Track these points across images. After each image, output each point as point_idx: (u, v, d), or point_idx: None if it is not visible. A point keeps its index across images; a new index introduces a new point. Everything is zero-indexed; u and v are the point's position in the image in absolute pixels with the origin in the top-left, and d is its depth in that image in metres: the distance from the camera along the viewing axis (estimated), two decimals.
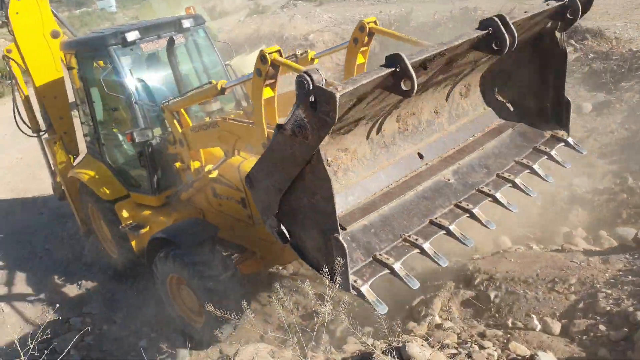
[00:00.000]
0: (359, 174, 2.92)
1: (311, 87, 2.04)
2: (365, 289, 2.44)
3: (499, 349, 2.82)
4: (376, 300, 2.44)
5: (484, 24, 2.54)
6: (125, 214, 5.13)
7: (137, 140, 4.50)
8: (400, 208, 2.87)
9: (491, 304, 3.43)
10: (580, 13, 2.99)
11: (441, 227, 2.79)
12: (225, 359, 3.62)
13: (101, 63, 4.92)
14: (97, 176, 5.37)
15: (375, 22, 3.81)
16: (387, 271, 2.52)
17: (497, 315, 3.36)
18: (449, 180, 3.10)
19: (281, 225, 2.62)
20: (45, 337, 3.23)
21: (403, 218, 2.82)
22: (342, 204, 2.74)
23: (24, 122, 6.16)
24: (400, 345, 2.58)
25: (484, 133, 3.50)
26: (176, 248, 4.13)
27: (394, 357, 2.42)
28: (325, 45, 13.09)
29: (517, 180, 3.16)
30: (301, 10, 22.05)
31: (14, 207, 8.41)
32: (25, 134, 6.27)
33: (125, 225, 5.11)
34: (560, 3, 2.98)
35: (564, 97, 3.35)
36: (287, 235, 2.62)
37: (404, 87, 2.16)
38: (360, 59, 4.01)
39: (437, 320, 3.32)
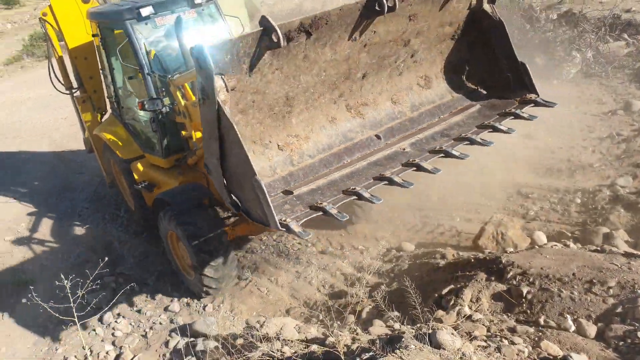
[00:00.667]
0: (315, 156, 3.23)
1: (194, 51, 2.45)
2: (293, 224, 2.63)
3: (529, 346, 2.75)
4: (302, 231, 2.61)
5: None
6: (139, 173, 5.54)
7: (147, 109, 4.85)
8: (350, 174, 3.14)
9: (523, 300, 3.35)
10: None
11: (384, 179, 2.99)
12: (252, 329, 3.68)
13: (119, 32, 5.18)
14: (117, 137, 5.80)
15: None
16: (320, 213, 2.75)
17: (528, 311, 3.28)
18: (404, 149, 3.33)
19: (232, 196, 2.87)
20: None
21: (352, 180, 3.06)
22: (294, 179, 3.10)
23: (59, 81, 6.50)
24: (431, 331, 2.56)
25: (451, 113, 3.67)
26: (172, 208, 4.51)
27: (425, 343, 2.40)
28: None
29: (474, 137, 3.28)
30: None
31: (58, 164, 8.71)
32: (59, 91, 6.60)
33: (139, 183, 5.50)
34: None
35: (517, 62, 3.46)
36: (239, 204, 2.86)
37: (274, 39, 2.54)
38: None
39: (467, 310, 3.27)
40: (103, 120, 6.53)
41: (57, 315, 4.77)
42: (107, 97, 6.24)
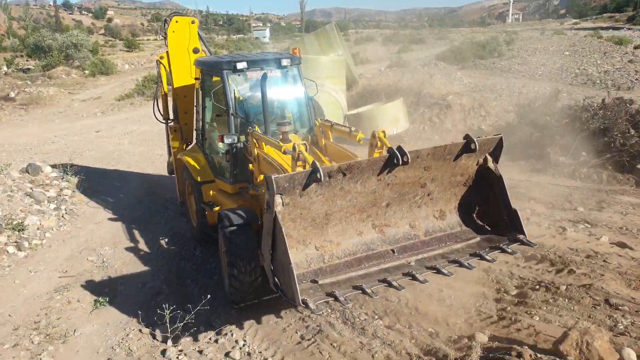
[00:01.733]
0: (342, 258, 4.20)
1: (267, 176, 3.56)
2: (311, 303, 3.57)
3: None
4: (315, 308, 3.59)
5: (390, 152, 3.92)
6: (208, 193, 6.60)
7: (225, 142, 5.89)
8: (364, 275, 4.05)
9: None
10: (478, 150, 4.15)
11: (385, 282, 3.89)
12: None
13: (217, 78, 6.25)
14: (196, 162, 6.90)
15: (383, 133, 4.86)
16: (331, 298, 3.69)
17: None
18: (410, 263, 4.19)
19: (275, 277, 3.90)
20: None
21: (364, 279, 3.95)
22: (323, 273, 4.06)
23: (160, 113, 8.05)
24: None
25: (455, 241, 4.49)
26: (224, 222, 5.17)
27: None
28: (462, 109, 12.98)
29: (462, 261, 4.12)
30: (442, 71, 22.18)
31: (145, 197, 9.39)
32: (158, 120, 8.15)
33: (205, 202, 6.53)
34: (463, 142, 4.18)
35: (512, 209, 4.35)
36: (279, 284, 3.87)
37: (318, 177, 3.60)
38: (375, 155, 4.92)
39: None
40: (187, 148, 7.81)
41: (126, 345, 4.99)
42: (194, 129, 7.46)
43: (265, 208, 3.76)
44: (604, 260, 5.66)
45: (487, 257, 4.23)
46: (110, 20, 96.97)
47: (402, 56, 31.30)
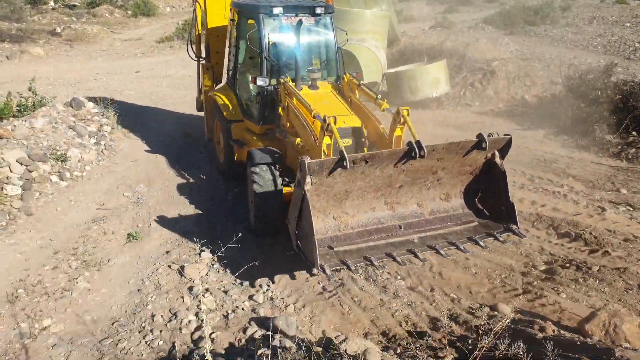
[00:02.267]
0: (355, 229, 4.77)
1: (302, 160, 4.08)
2: (327, 268, 4.18)
3: None
4: (331, 273, 4.35)
5: (409, 145, 4.33)
6: (236, 132, 7.00)
7: (257, 84, 6.19)
8: (373, 246, 4.60)
9: None
10: (488, 147, 4.54)
11: (390, 256, 4.43)
12: (330, 343, 3.70)
13: (251, 21, 6.49)
14: (226, 101, 7.21)
15: (407, 111, 5.08)
16: (344, 266, 4.32)
17: None
18: (413, 240, 4.71)
19: (298, 241, 4.60)
20: None
21: (372, 251, 4.53)
22: (338, 241, 4.66)
23: (193, 51, 8.36)
24: None
25: (456, 223, 4.97)
26: (252, 162, 5.66)
27: None
28: (507, 76, 12.49)
29: (461, 246, 4.64)
30: (488, 35, 21.27)
31: (178, 138, 9.55)
32: (191, 57, 8.52)
33: (234, 140, 6.95)
34: (476, 140, 4.55)
35: (509, 201, 4.84)
36: (300, 247, 4.58)
37: (344, 165, 4.09)
38: (398, 132, 5.28)
39: None
40: (217, 87, 8.09)
41: (155, 278, 5.20)
42: (226, 69, 7.69)
43: (296, 184, 4.38)
44: None
45: (481, 243, 4.71)
46: None
47: (448, 17, 30.09)
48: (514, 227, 4.79)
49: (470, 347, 3.70)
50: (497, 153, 4.81)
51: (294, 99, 5.74)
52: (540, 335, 3.71)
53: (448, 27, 25.69)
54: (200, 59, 8.40)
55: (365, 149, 5.56)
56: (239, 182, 7.10)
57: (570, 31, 24.48)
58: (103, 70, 15.74)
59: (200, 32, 8.26)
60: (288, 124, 6.04)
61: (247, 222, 6.21)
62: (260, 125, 6.57)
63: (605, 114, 9.46)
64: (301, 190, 4.21)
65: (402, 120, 5.09)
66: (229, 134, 7.02)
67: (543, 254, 5.49)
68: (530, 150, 8.92)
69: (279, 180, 5.58)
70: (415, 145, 4.27)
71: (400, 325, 4.42)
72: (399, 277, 5.18)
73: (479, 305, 4.62)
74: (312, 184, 4.21)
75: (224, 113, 7.09)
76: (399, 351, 3.88)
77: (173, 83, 14.24)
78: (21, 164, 6.92)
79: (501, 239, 4.76)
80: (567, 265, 5.18)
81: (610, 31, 23.22)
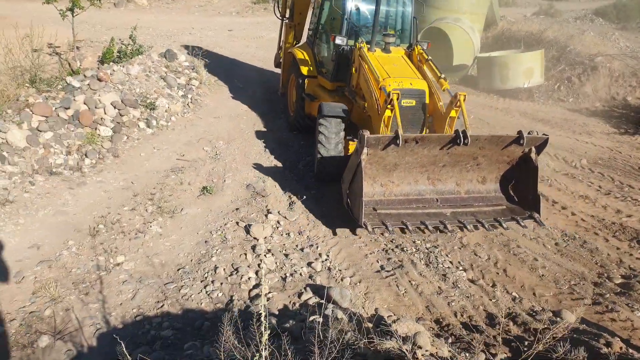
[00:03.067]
0: (398, 196, 5.42)
1: (361, 134, 4.79)
2: (369, 226, 4.88)
3: None
4: (372, 230, 4.90)
5: (455, 132, 4.91)
6: (310, 87, 7.63)
7: (336, 42, 6.66)
8: (411, 214, 5.24)
9: None
10: (525, 144, 5.12)
11: (424, 224, 5.07)
12: (381, 321, 3.72)
13: None
14: (305, 57, 7.84)
15: (464, 97, 5.59)
16: (383, 227, 4.97)
17: None
18: (447, 214, 5.30)
19: (348, 200, 5.34)
20: None
21: (411, 217, 5.16)
22: (382, 204, 5.31)
23: (279, 10, 9.27)
24: None
25: (487, 204, 5.53)
26: (321, 114, 6.30)
27: None
28: (610, 74, 11.54)
29: (487, 225, 5.17)
30: (596, 28, 19.65)
31: (261, 95, 9.72)
32: (276, 16, 9.36)
33: (307, 93, 7.59)
34: (516, 136, 5.12)
35: (536, 193, 5.31)
36: (350, 204, 5.29)
37: (397, 142, 4.74)
38: (452, 114, 5.77)
39: None
40: (296, 45, 8.82)
41: (222, 232, 5.43)
42: (308, 29, 8.27)
43: (354, 152, 5.08)
44: None
45: (504, 225, 5.20)
46: None
47: (555, 4, 28.09)
48: (536, 215, 5.29)
49: (525, 348, 3.57)
50: (533, 149, 5.31)
51: (366, 64, 6.22)
52: (605, 350, 3.50)
53: (553, 15, 24.01)
54: (285, 19, 9.08)
55: (427, 114, 6.13)
56: (307, 136, 7.92)
57: None
58: (199, 25, 16.34)
59: None
60: (357, 84, 6.63)
61: (312, 171, 6.96)
62: (332, 81, 7.21)
63: None
64: (358, 159, 4.90)
65: (457, 103, 5.63)
66: (303, 87, 7.64)
67: (621, 266, 5.12)
68: (623, 156, 8.27)
69: (342, 134, 6.27)
70: (461, 134, 4.88)
71: (455, 316, 4.34)
72: (460, 268, 5.07)
73: (541, 308, 4.43)
74: (367, 154, 4.89)
75: (301, 67, 7.69)
76: (450, 340, 3.83)
77: (263, 45, 14.51)
78: (114, 107, 7.42)
79: (522, 224, 5.27)
80: None
81: None
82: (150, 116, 7.88)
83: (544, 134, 5.29)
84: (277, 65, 9.66)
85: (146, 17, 16.36)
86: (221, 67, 11.55)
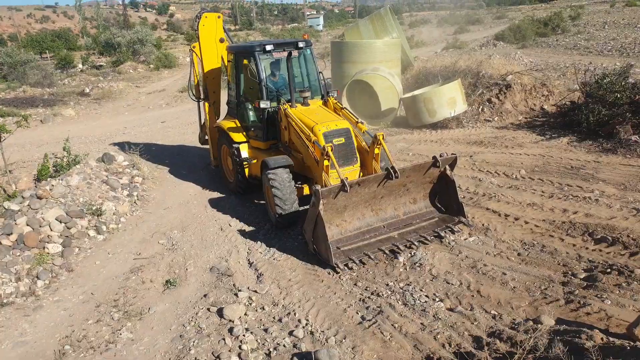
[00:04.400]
0: (352, 232, 6.32)
1: (315, 189, 5.66)
2: (340, 265, 5.82)
3: None
4: (343, 267, 5.84)
5: (386, 170, 6.06)
6: (245, 152, 8.28)
7: (261, 107, 7.57)
8: (367, 245, 6.16)
9: None
10: (440, 164, 6.36)
11: (380, 250, 6.04)
12: None
13: (245, 61, 8.03)
14: (232, 127, 8.44)
15: (383, 136, 6.69)
16: (350, 261, 5.87)
17: None
18: (395, 236, 6.31)
19: (314, 245, 6.14)
20: None
21: (367, 247, 6.09)
22: (342, 242, 6.18)
23: (193, 94, 9.99)
24: None
25: (422, 219, 6.62)
26: (268, 168, 6.99)
27: None
28: (523, 88, 12.48)
29: (429, 238, 6.29)
30: (500, 51, 21.34)
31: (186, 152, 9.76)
32: (192, 98, 10.12)
33: (244, 158, 8.20)
34: (432, 161, 6.34)
35: (458, 201, 6.56)
36: (316, 250, 6.12)
37: (345, 189, 5.75)
38: (376, 151, 6.82)
39: None
40: (218, 120, 9.49)
41: (196, 323, 5.28)
42: (226, 103, 9.05)
43: (311, 204, 5.88)
44: None
45: (442, 234, 6.34)
46: (172, 15, 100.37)
47: (459, 37, 30.29)
48: (463, 219, 6.53)
49: None
50: (448, 167, 6.50)
51: (293, 121, 7.09)
52: (588, 344, 3.62)
53: (460, 47, 25.95)
54: (200, 99, 9.84)
55: (356, 150, 7.06)
56: (254, 196, 8.60)
57: (583, 38, 24.38)
58: (131, 124, 16.38)
59: (198, 76, 9.74)
60: (290, 140, 7.48)
61: (269, 220, 7.53)
62: (265, 141, 7.96)
63: (628, 115, 9.35)
64: (316, 210, 5.77)
65: (378, 142, 6.68)
66: (239, 154, 8.23)
67: (581, 261, 5.38)
68: (555, 159, 8.83)
69: (292, 181, 6.96)
70: (391, 171, 5.97)
71: (444, 348, 4.37)
72: (437, 299, 5.14)
73: (521, 320, 4.54)
74: (323, 204, 5.72)
75: (233, 136, 8.29)
76: None
77: (198, 129, 14.63)
78: (60, 221, 7.21)
79: (456, 229, 6.43)
80: (608, 270, 5.06)
81: (623, 34, 23.04)
82: (99, 222, 7.71)
83: (452, 154, 6.49)
84: (203, 142, 10.55)
85: (76, 127, 16.26)
86: (162, 158, 11.57)
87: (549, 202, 6.97)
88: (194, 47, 9.55)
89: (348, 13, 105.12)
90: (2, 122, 8.81)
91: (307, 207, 6.13)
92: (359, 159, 7.06)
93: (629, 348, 3.35)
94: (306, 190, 7.38)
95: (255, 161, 8.10)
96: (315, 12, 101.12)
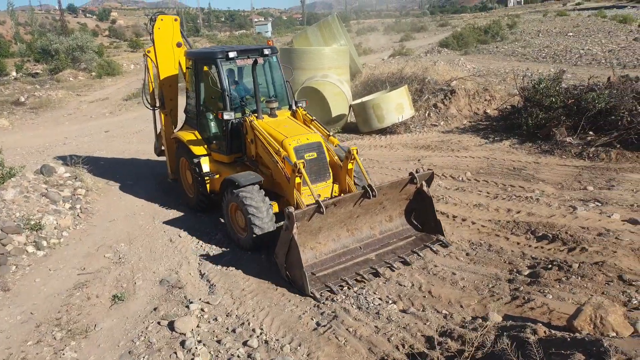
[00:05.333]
0: (328, 255, 5.90)
1: (289, 212, 5.21)
2: (317, 294, 5.36)
3: None
4: (320, 297, 5.34)
5: (363, 188, 5.74)
6: (206, 165, 7.66)
7: (225, 118, 6.87)
8: (344, 268, 5.77)
9: None
10: (418, 181, 6.08)
11: (358, 274, 5.66)
12: None
13: (205, 68, 7.48)
14: (192, 139, 7.80)
15: (356, 151, 6.36)
16: (327, 289, 5.44)
17: None
18: (373, 258, 5.95)
19: (287, 272, 5.66)
20: None
21: (345, 272, 5.71)
22: (317, 267, 5.76)
23: (148, 101, 9.23)
24: None
25: (399, 239, 6.29)
26: (237, 186, 6.34)
27: None
28: (467, 94, 12.94)
29: (407, 258, 5.92)
30: (445, 57, 22.08)
31: (158, 195, 9.49)
32: (146, 107, 9.35)
33: (206, 173, 7.57)
34: (409, 177, 6.03)
35: (436, 219, 6.28)
36: (289, 276, 5.64)
37: (320, 211, 5.33)
38: (350, 166, 6.50)
39: None
40: (175, 130, 8.80)
41: (146, 337, 5.09)
42: (184, 112, 8.42)
43: (284, 228, 5.38)
44: (616, 238, 5.69)
45: (420, 254, 5.99)
46: (114, 21, 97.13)
47: (405, 45, 31.06)
48: (442, 237, 6.23)
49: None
50: (424, 184, 6.22)
51: (260, 134, 6.62)
52: (533, 338, 3.77)
53: (406, 54, 26.63)
54: (156, 108, 9.16)
55: (329, 165, 6.67)
56: (212, 212, 8.06)
57: (520, 45, 25.64)
58: (72, 133, 15.70)
59: (153, 83, 9.06)
60: (257, 154, 6.96)
61: (236, 241, 6.85)
62: (229, 154, 7.35)
63: (562, 118, 9.89)
64: (289, 234, 5.31)
65: (352, 157, 6.35)
66: (200, 168, 7.62)
67: (525, 258, 5.62)
68: (498, 161, 9.20)
69: (267, 199, 6.39)
70: (369, 189, 5.63)
71: (398, 349, 4.43)
72: (390, 302, 5.21)
73: (471, 318, 4.68)
74: (296, 227, 5.27)
75: (192, 149, 7.69)
76: None
77: (144, 138, 14.26)
78: None
79: (434, 248, 6.09)
80: (549, 266, 5.31)
81: (556, 42, 24.41)
82: (39, 237, 7.31)
83: (429, 169, 6.25)
84: (159, 154, 9.71)
85: (11, 138, 15.40)
86: (106, 169, 11.14)
87: (494, 202, 7.24)
88: (148, 51, 8.80)
89: (296, 20, 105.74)
90: None
91: (282, 223, 5.65)
92: (331, 174, 6.65)
93: (569, 339, 3.52)
94: (275, 208, 6.62)
95: (218, 176, 7.50)
96: (263, 19, 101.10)
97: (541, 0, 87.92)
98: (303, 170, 5.87)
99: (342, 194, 6.50)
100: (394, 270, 5.73)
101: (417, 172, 6.05)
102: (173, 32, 8.51)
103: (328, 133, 6.84)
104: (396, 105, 12.07)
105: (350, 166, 6.48)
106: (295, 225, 5.23)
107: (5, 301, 6.05)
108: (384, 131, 12.27)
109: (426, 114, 12.82)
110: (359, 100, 13.10)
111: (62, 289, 6.25)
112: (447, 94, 13.00)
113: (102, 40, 61.93)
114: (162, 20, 8.40)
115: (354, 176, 6.66)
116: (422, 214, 6.40)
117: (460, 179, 8.55)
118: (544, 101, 10.44)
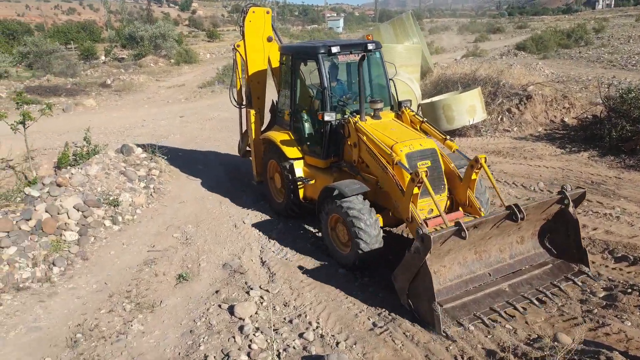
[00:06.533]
0: (452, 281, 5.11)
1: (421, 233, 4.47)
2: (450, 333, 4.58)
3: None
4: (452, 335, 4.58)
5: (508, 208, 4.85)
6: (299, 169, 7.12)
7: (325, 119, 6.32)
8: (474, 300, 4.97)
9: None
10: (570, 202, 5.21)
11: (494, 310, 4.85)
12: None
13: (302, 65, 6.98)
14: (285, 141, 7.24)
15: (485, 159, 5.51)
16: (461, 327, 4.67)
17: None
18: (506, 289, 5.14)
19: (408, 300, 4.94)
20: None
21: (475, 305, 4.93)
22: (441, 295, 4.92)
23: (234, 98, 8.62)
24: None
25: (532, 266, 5.46)
26: (340, 196, 5.73)
27: None
28: (544, 100, 12.32)
29: (547, 293, 5.06)
30: (521, 61, 21.15)
31: (224, 177, 9.78)
32: (233, 104, 8.77)
33: (299, 178, 7.04)
34: (559, 197, 5.19)
35: (581, 247, 5.39)
36: (412, 305, 4.93)
37: (462, 235, 4.53)
38: (473, 176, 5.72)
39: None
40: (262, 130, 8.18)
41: (207, 319, 5.28)
42: (277, 110, 7.83)
43: (413, 250, 4.61)
44: None
45: (562, 287, 5.16)
46: (194, 12, 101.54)
47: (479, 45, 30.08)
48: (586, 269, 5.35)
49: None
50: (572, 203, 5.27)
51: (365, 137, 6.02)
52: None
53: (480, 55, 25.78)
54: (242, 106, 8.60)
55: (443, 173, 5.88)
56: (300, 220, 7.57)
57: (607, 51, 24.05)
58: (150, 117, 16.54)
59: (240, 80, 8.54)
60: (359, 159, 6.28)
61: (336, 258, 6.21)
62: (325, 159, 6.75)
63: None
64: (420, 260, 4.57)
65: (479, 166, 5.56)
66: (292, 172, 7.07)
67: (601, 279, 5.28)
68: (575, 173, 8.71)
69: (374, 212, 5.74)
70: (516, 209, 4.79)
71: None
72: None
73: (536, 336, 4.47)
74: (430, 253, 4.50)
75: (286, 151, 7.11)
76: None
77: (216, 126, 14.78)
78: (77, 210, 7.28)
79: (579, 283, 5.21)
80: (629, 290, 4.96)
81: None
82: (115, 213, 7.77)
83: (579, 187, 5.48)
84: (243, 155, 9.07)
85: (97, 117, 16.46)
86: (179, 153, 11.64)
87: None
88: (237, 45, 8.22)
89: (368, 17, 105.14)
90: (27, 110, 8.91)
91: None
92: (446, 186, 5.88)
93: None
94: (380, 222, 5.88)
95: (313, 182, 6.92)
96: (335, 15, 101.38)
97: (634, 3, 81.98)
98: (426, 180, 5.05)
99: (460, 209, 5.87)
100: (534, 304, 4.97)
101: (565, 189, 5.21)
102: (264, 26, 7.96)
103: (444, 137, 6.16)
104: (468, 107, 11.70)
105: (474, 177, 5.69)
106: (430, 250, 4.45)
107: (84, 270, 6.49)
108: (452, 133, 11.94)
109: (499, 119, 12.34)
110: (428, 100, 12.82)
111: (133, 263, 6.61)
112: (522, 99, 12.44)
113: (182, 29, 64.68)
114: (253, 12, 7.86)
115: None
116: (561, 237, 5.50)
117: (532, 188, 8.17)
118: (631, 112, 9.74)
